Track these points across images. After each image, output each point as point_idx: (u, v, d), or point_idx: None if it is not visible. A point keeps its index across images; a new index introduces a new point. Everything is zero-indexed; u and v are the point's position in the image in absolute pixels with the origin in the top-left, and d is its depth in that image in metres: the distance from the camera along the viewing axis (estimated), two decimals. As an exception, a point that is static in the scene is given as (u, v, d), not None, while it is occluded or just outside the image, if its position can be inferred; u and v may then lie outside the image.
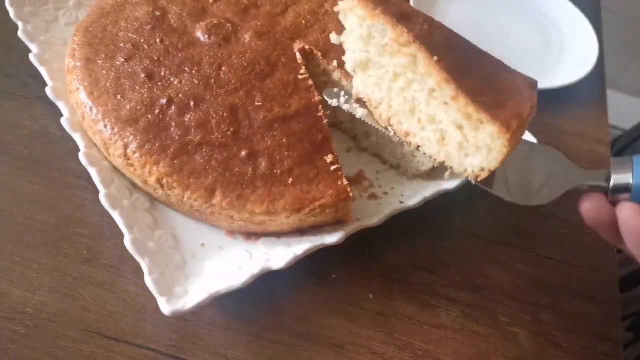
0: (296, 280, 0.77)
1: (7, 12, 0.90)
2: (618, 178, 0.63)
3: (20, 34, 0.88)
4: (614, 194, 0.63)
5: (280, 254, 0.74)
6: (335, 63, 0.84)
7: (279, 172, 0.76)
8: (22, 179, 0.81)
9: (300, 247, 0.74)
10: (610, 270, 0.88)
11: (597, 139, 1.05)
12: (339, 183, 0.76)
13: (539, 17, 1.24)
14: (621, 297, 0.88)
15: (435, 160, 0.75)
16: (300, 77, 0.83)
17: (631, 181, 0.62)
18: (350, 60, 0.78)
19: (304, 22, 0.89)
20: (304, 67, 0.84)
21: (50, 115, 0.85)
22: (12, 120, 0.86)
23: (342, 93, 0.83)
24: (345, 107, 0.81)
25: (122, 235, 0.71)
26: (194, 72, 0.81)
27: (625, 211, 0.61)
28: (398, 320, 0.77)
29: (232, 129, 0.77)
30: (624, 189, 0.63)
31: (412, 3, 1.12)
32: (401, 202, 0.82)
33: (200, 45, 0.84)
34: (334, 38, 0.80)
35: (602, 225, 0.64)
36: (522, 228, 0.89)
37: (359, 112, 0.80)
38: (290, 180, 0.75)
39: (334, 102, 0.82)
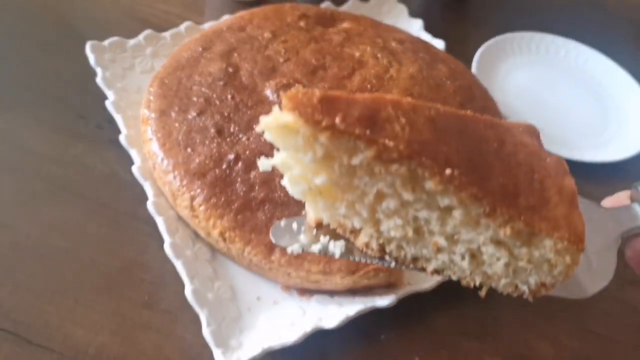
0: (346, 339, 0.78)
1: (84, 57, 0.95)
2: None
3: (98, 80, 0.93)
4: None
5: (332, 313, 0.75)
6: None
7: None
8: (90, 220, 0.84)
9: (352, 307, 0.76)
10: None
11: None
12: None
13: (597, 89, 1.25)
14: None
15: (467, 283, 0.57)
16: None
17: None
18: (297, 187, 0.56)
19: (369, 86, 0.92)
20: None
21: (121, 160, 0.89)
22: (84, 161, 0.90)
23: (295, 225, 0.62)
24: (315, 248, 0.59)
25: (182, 282, 0.74)
26: None
27: None
28: None
29: None
30: None
31: (473, 70, 1.14)
32: None
33: (269, 103, 0.88)
34: (263, 164, 0.55)
35: None
36: (568, 301, 0.89)
37: (337, 249, 0.59)
38: None
39: (294, 248, 0.60)
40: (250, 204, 0.79)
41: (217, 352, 0.69)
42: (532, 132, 0.59)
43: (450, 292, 0.82)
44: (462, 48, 1.17)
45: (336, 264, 0.76)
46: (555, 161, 0.56)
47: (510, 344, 0.84)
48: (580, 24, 1.42)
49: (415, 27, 1.20)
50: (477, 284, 0.57)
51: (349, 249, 0.59)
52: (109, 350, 0.73)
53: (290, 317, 0.76)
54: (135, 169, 0.83)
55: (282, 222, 0.62)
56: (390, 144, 0.48)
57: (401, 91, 0.92)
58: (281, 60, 0.94)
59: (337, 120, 0.48)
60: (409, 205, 0.53)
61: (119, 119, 0.88)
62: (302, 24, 1.01)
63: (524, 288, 0.55)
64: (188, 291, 0.73)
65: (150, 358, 0.74)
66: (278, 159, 0.54)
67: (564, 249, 0.51)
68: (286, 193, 0.77)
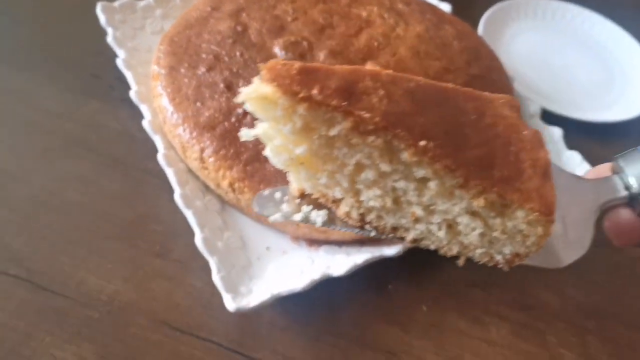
0: (354, 288, 0.80)
1: (96, 19, 0.96)
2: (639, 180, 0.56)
3: (109, 39, 0.94)
4: None
5: (340, 262, 0.77)
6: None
7: None
8: (104, 175, 0.86)
9: (360, 256, 0.77)
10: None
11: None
12: None
13: (603, 53, 1.26)
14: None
15: (444, 253, 0.59)
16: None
17: None
18: (278, 157, 0.57)
19: (376, 44, 0.93)
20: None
21: (133, 117, 0.90)
22: (97, 119, 0.92)
23: (279, 194, 0.63)
24: (297, 217, 0.61)
25: (193, 234, 0.75)
26: None
27: None
28: (449, 333, 0.80)
29: None
30: None
31: (480, 32, 1.15)
32: None
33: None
34: (244, 134, 0.56)
35: (635, 242, 0.59)
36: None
37: (319, 218, 0.60)
38: None
39: (276, 217, 0.61)
40: (259, 155, 0.80)
41: (227, 297, 0.70)
42: (513, 104, 0.59)
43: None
44: (468, 12, 1.18)
45: None
46: (532, 134, 0.56)
47: (516, 294, 0.85)
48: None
49: (422, -9, 1.20)
50: (455, 253, 0.58)
51: (331, 219, 0.60)
52: (121, 297, 0.75)
53: (299, 265, 0.78)
54: (145, 123, 0.85)
55: (266, 192, 0.64)
56: (366, 115, 0.49)
57: (408, 49, 0.92)
58: (289, 19, 0.95)
59: (315, 91, 0.49)
60: (386, 176, 0.54)
61: (129, 76, 0.90)
62: (309, -16, 1.02)
63: (499, 258, 0.57)
64: (198, 239, 0.74)
65: (161, 304, 0.75)
66: (260, 130, 0.54)
67: (536, 220, 0.52)
68: None
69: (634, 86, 1.18)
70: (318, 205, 0.60)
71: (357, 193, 0.57)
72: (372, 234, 0.59)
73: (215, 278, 0.72)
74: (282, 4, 0.97)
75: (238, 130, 0.81)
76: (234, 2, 0.96)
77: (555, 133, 0.98)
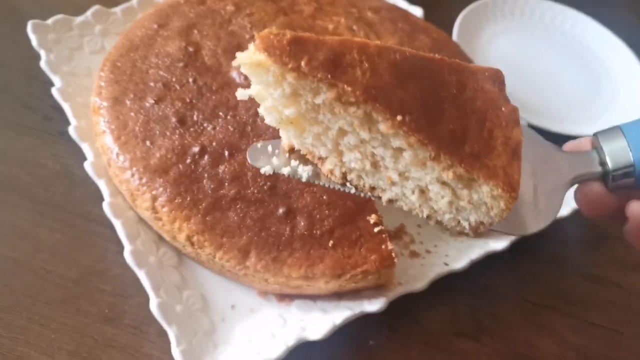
0: (331, 348, 0.72)
1: (28, 39, 0.87)
2: (615, 160, 0.57)
3: (42, 64, 0.84)
4: (616, 181, 0.58)
5: (316, 322, 0.69)
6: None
7: (318, 232, 0.72)
8: (42, 225, 0.77)
9: (338, 315, 0.70)
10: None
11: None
12: (383, 247, 0.72)
13: (587, 55, 1.20)
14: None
15: (417, 214, 0.63)
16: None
17: (632, 160, 0.56)
18: (270, 116, 0.62)
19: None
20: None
21: (73, 154, 0.81)
22: (32, 158, 0.82)
23: (270, 147, 0.67)
24: (285, 170, 0.64)
25: (146, 292, 0.67)
26: (228, 117, 0.77)
27: (636, 211, 0.56)
28: None
29: (268, 184, 0.73)
30: (625, 170, 0.57)
31: (454, 37, 1.08)
32: (446, 264, 0.78)
33: (236, 86, 0.80)
34: (240, 93, 0.61)
35: (605, 216, 0.60)
36: (570, 291, 0.84)
37: (304, 174, 0.64)
38: (331, 242, 0.72)
39: (266, 169, 0.65)
40: (220, 203, 0.72)
41: None
42: (497, 77, 0.61)
43: (442, 288, 0.79)
44: (441, 14, 1.12)
45: (319, 267, 0.70)
46: (510, 111, 0.59)
47: (509, 343, 0.79)
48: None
49: (391, -6, 1.12)
50: (425, 215, 0.62)
51: (316, 174, 0.64)
52: None
53: (270, 327, 0.70)
54: (87, 166, 0.76)
55: (259, 144, 0.67)
56: (348, 89, 0.53)
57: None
58: (247, 36, 0.86)
59: (303, 63, 0.53)
60: (366, 143, 0.58)
61: (67, 108, 0.80)
62: (268, -7, 0.93)
63: (465, 224, 0.61)
64: (154, 305, 0.67)
65: None
66: (253, 90, 0.59)
67: (499, 195, 0.56)
68: (260, 188, 0.71)
69: (622, 94, 1.13)
70: (305, 161, 0.64)
71: (340, 154, 0.61)
72: (352, 191, 0.63)
73: (175, 352, 0.64)
74: (238, 17, 0.88)
75: (194, 173, 0.73)
76: (183, 17, 0.87)
77: None
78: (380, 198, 0.63)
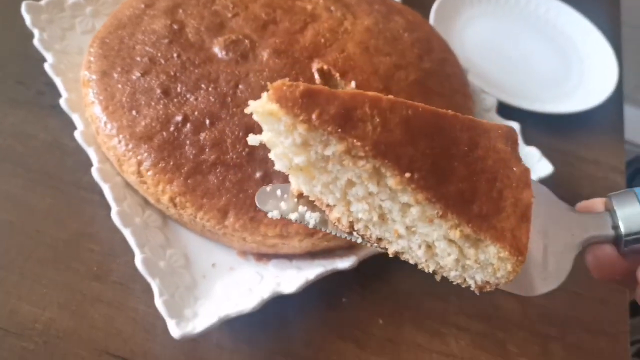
0: (306, 304, 0.77)
1: (22, 19, 0.90)
2: (628, 225, 0.57)
3: (35, 42, 0.88)
4: (628, 245, 0.57)
5: (291, 278, 0.73)
6: (353, 84, 0.83)
7: None
8: (34, 191, 0.81)
9: (311, 271, 0.74)
10: (620, 303, 0.88)
11: (612, 167, 1.05)
12: None
13: (560, 39, 1.23)
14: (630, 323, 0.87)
15: (422, 268, 0.62)
16: (317, 97, 0.82)
17: None
18: (280, 162, 0.61)
19: (322, 40, 0.88)
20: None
21: (64, 126, 0.85)
22: (25, 130, 0.86)
23: (279, 192, 0.66)
24: (293, 216, 0.64)
25: (132, 252, 0.71)
26: (210, 89, 0.80)
27: None
28: (407, 347, 0.77)
29: (247, 150, 0.77)
30: (637, 239, 0.57)
31: (431, 21, 1.11)
32: None
33: (218, 61, 0.84)
34: (251, 139, 0.59)
35: (617, 278, 0.60)
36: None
37: (312, 220, 0.64)
38: None
39: (274, 214, 0.64)
40: (200, 167, 0.76)
41: (170, 323, 0.66)
42: (510, 136, 0.60)
43: None
44: (419, -1, 1.14)
45: (293, 226, 0.74)
46: (521, 171, 0.58)
47: (475, 303, 0.83)
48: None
49: (370, -22, 1.15)
50: (431, 270, 0.60)
51: (323, 221, 0.63)
52: (58, 325, 0.71)
53: (248, 283, 0.74)
54: (77, 134, 0.79)
55: (268, 188, 0.66)
56: (358, 144, 0.52)
57: (356, 44, 0.88)
58: (229, 15, 0.90)
59: (314, 116, 0.52)
60: (374, 195, 0.57)
61: (59, 82, 0.84)
62: (250, -24, 0.96)
63: (471, 282, 0.59)
64: (138, 260, 0.70)
65: (101, 332, 0.71)
66: (265, 137, 0.58)
67: (506, 258, 0.54)
68: (238, 154, 0.75)
69: (592, 74, 1.16)
70: (313, 207, 0.64)
71: (348, 204, 0.60)
72: (359, 240, 0.62)
73: (158, 302, 0.68)
74: (221, -3, 0.91)
75: (177, 140, 0.76)
76: (170, -3, 0.90)
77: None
78: (386, 249, 0.62)
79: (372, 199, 0.58)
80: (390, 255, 0.61)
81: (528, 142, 0.94)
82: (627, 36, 1.33)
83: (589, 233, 0.59)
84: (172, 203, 0.75)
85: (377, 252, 0.77)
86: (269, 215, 0.64)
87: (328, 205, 0.62)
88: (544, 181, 0.88)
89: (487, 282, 0.58)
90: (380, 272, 0.81)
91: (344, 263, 0.75)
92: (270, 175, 0.75)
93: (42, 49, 0.87)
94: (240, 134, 0.77)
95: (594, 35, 1.22)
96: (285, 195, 0.65)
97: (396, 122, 0.54)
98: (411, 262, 0.61)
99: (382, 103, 0.55)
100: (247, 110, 0.55)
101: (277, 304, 0.71)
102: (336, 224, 0.62)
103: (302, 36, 0.89)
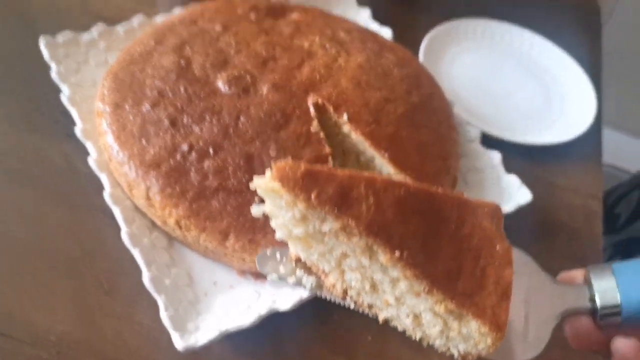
0: (300, 320, 0.82)
1: (38, 53, 0.97)
2: (604, 299, 0.61)
3: (53, 75, 0.94)
4: (603, 318, 0.61)
5: (286, 296, 0.78)
6: (345, 117, 0.90)
7: None
8: (50, 212, 0.87)
9: (305, 290, 0.78)
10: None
11: (590, 194, 1.11)
12: None
13: (542, 74, 1.30)
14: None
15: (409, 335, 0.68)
16: (312, 129, 0.89)
17: (618, 300, 0.60)
18: (280, 231, 0.67)
19: (318, 76, 0.95)
20: (316, 120, 0.90)
21: (78, 152, 0.91)
22: (41, 154, 0.92)
23: (278, 255, 0.74)
24: (291, 280, 0.72)
25: (140, 271, 0.77)
26: (214, 120, 0.87)
27: (620, 348, 0.59)
28: None
29: (247, 177, 0.83)
30: (612, 310, 0.60)
31: (421, 58, 1.18)
32: None
33: (221, 95, 0.90)
34: (255, 210, 0.67)
35: (593, 349, 0.63)
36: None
37: (308, 284, 0.71)
38: None
39: (272, 277, 0.73)
40: (204, 192, 0.82)
41: (175, 336, 0.72)
42: (495, 214, 0.65)
43: None
44: (409, 35, 1.21)
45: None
46: (504, 250, 0.63)
47: None
48: (524, 11, 1.46)
49: (364, 16, 1.23)
50: (417, 338, 0.66)
51: (319, 285, 0.70)
52: (70, 337, 0.76)
53: (246, 300, 0.79)
54: (91, 161, 0.86)
55: (268, 251, 0.75)
56: (352, 223, 0.58)
57: (349, 80, 0.95)
58: (232, 52, 0.96)
59: (313, 196, 0.58)
60: (366, 267, 0.63)
61: (74, 112, 0.90)
62: (252, 16, 1.03)
63: (455, 351, 0.64)
64: (146, 278, 0.76)
65: (110, 343, 0.77)
66: (267, 208, 0.64)
67: (486, 333, 0.59)
68: (239, 181, 0.82)
69: (572, 107, 1.22)
70: (310, 272, 0.70)
71: (342, 272, 0.66)
72: (352, 306, 0.69)
73: (164, 316, 0.73)
74: (225, 36, 0.98)
75: (183, 168, 0.83)
76: (177, 35, 0.97)
77: (494, 157, 1.01)
78: (377, 316, 0.68)
79: (364, 270, 0.63)
80: (380, 322, 0.68)
81: (509, 170, 0.99)
82: (608, 63, 1.40)
83: (567, 305, 0.63)
84: (177, 225, 0.81)
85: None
86: (268, 278, 0.73)
87: (324, 272, 0.68)
88: (523, 208, 0.94)
89: (469, 353, 0.63)
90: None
91: (335, 282, 0.81)
92: (268, 201, 0.82)
93: (59, 81, 0.94)
94: (241, 162, 0.84)
95: (574, 71, 1.28)
96: (284, 259, 0.72)
97: (389, 202, 0.60)
98: (399, 329, 0.67)
99: (376, 184, 0.60)
100: (251, 186, 0.62)
101: (273, 320, 0.76)
102: (331, 289, 0.69)
103: (299, 72, 0.96)
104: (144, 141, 0.85)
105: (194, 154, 0.84)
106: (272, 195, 0.61)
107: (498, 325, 0.59)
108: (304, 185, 0.58)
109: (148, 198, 0.82)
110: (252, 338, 0.79)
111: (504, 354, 0.63)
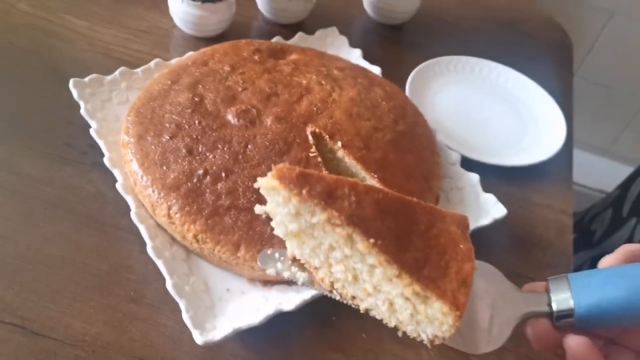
0: (303, 322, 0.91)
1: (65, 92, 1.09)
2: (559, 303, 0.67)
3: (82, 112, 1.06)
4: (559, 320, 0.67)
5: (291, 299, 0.88)
6: (339, 144, 1.01)
7: None
8: (81, 232, 0.96)
9: (308, 293, 0.88)
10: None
11: (562, 210, 1.21)
12: None
13: (516, 103, 1.41)
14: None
15: (386, 323, 0.74)
16: (311, 154, 1.00)
17: (572, 305, 0.65)
18: (279, 229, 0.75)
19: (315, 109, 1.06)
20: (314, 147, 1.01)
21: (105, 180, 1.01)
22: (72, 183, 1.02)
23: (277, 255, 0.82)
24: (286, 274, 0.79)
25: (162, 280, 0.86)
26: (225, 149, 0.98)
27: (571, 344, 0.65)
28: (385, 356, 0.92)
29: (255, 196, 0.93)
30: (566, 313, 0.66)
31: (407, 92, 1.28)
32: None
33: (231, 126, 1.02)
34: (258, 209, 0.76)
35: (551, 349, 0.68)
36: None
37: (300, 278, 0.78)
38: None
39: (270, 271, 0.80)
40: (218, 210, 0.92)
41: (195, 333, 0.81)
42: (462, 222, 0.74)
43: None
44: (396, 72, 1.32)
45: None
46: (467, 249, 0.71)
47: None
48: (499, 47, 1.60)
49: (355, 55, 1.35)
50: (393, 325, 0.73)
51: (310, 280, 0.77)
52: (103, 338, 0.85)
53: (256, 303, 0.89)
54: (118, 186, 0.96)
55: (269, 251, 0.82)
56: (336, 214, 0.66)
57: (342, 112, 1.06)
58: (240, 89, 1.08)
59: (304, 191, 0.66)
60: (349, 258, 0.70)
61: (101, 144, 1.01)
62: (256, 57, 1.16)
63: (424, 336, 0.70)
64: (169, 285, 0.85)
65: (138, 343, 0.86)
66: (268, 208, 0.73)
67: (447, 312, 0.65)
68: (248, 199, 0.92)
69: (543, 133, 1.33)
70: (303, 269, 0.78)
71: (329, 266, 0.73)
72: (337, 298, 0.75)
73: (185, 317, 0.83)
74: (233, 75, 1.11)
75: (199, 190, 0.94)
76: (191, 75, 1.10)
77: (473, 178, 1.11)
78: (358, 307, 0.74)
79: (347, 261, 0.70)
80: (362, 312, 0.74)
81: (487, 190, 1.09)
82: (580, 88, 1.53)
83: (528, 308, 0.69)
84: (195, 239, 0.91)
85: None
86: (267, 272, 0.80)
87: (315, 268, 0.75)
88: (503, 223, 1.04)
89: (436, 336, 0.69)
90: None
91: (334, 287, 0.91)
92: (274, 217, 0.93)
93: (87, 117, 1.05)
94: (250, 184, 0.94)
95: (546, 100, 1.40)
96: (282, 258, 0.80)
97: (369, 202, 0.68)
98: (378, 317, 0.73)
99: (359, 187, 0.69)
100: (255, 185, 0.71)
101: (280, 322, 0.86)
102: (320, 283, 0.75)
103: (299, 105, 1.07)
104: (164, 167, 0.96)
105: (208, 177, 0.95)
106: (271, 192, 0.70)
107: (457, 305, 0.65)
108: (297, 183, 0.67)
109: (169, 216, 0.92)
110: (262, 337, 0.88)
111: (470, 345, 0.70)
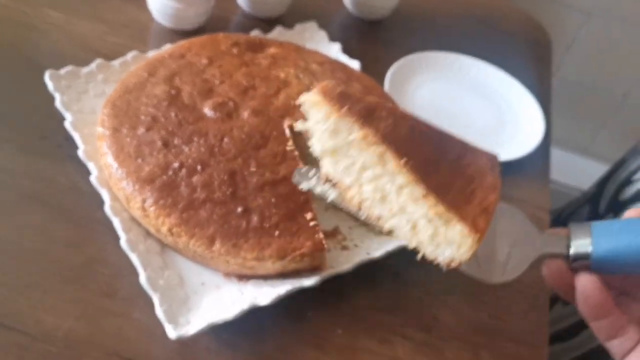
0: (278, 316, 0.91)
1: (41, 85, 1.08)
2: (577, 247, 0.67)
3: (57, 104, 1.05)
4: (575, 262, 0.68)
5: (266, 293, 0.88)
6: (316, 137, 1.01)
7: (267, 225, 0.91)
8: (56, 225, 0.95)
9: (282, 287, 0.88)
10: (540, 316, 1.04)
11: (538, 206, 1.22)
12: (316, 236, 0.91)
13: (495, 98, 1.42)
14: (566, 344, 1.02)
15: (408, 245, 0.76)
16: (287, 148, 1.00)
17: (590, 250, 0.66)
18: (317, 146, 0.78)
19: (292, 102, 1.06)
20: (291, 141, 1.01)
21: (80, 173, 1.00)
22: (47, 176, 1.01)
23: (312, 172, 0.86)
24: (318, 190, 0.84)
25: (136, 275, 0.85)
26: (201, 141, 0.98)
27: (582, 281, 0.67)
28: (361, 352, 0.91)
29: (230, 190, 0.93)
30: (583, 257, 0.67)
31: (386, 87, 1.28)
32: (368, 254, 0.97)
33: (207, 119, 1.01)
34: (299, 125, 0.80)
35: (563, 289, 0.71)
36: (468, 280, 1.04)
37: (331, 195, 0.82)
38: (277, 232, 0.91)
39: (304, 185, 0.85)
40: (193, 203, 0.92)
41: (168, 327, 0.81)
42: (491, 159, 0.78)
43: (367, 274, 0.98)
44: (376, 67, 1.32)
45: (267, 251, 0.89)
46: (494, 181, 0.74)
47: (418, 317, 0.98)
48: (478, 43, 1.60)
49: (334, 50, 1.35)
50: (413, 246, 0.75)
51: (340, 198, 0.81)
52: (76, 333, 0.84)
53: (231, 297, 0.89)
54: (93, 179, 0.96)
55: (304, 168, 0.88)
56: (371, 132, 0.70)
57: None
58: (217, 82, 1.08)
59: (344, 108, 0.71)
60: (379, 178, 0.73)
61: (76, 136, 1.01)
62: (234, 50, 1.16)
63: (441, 258, 0.72)
64: (142, 278, 0.85)
65: (111, 337, 0.85)
66: (309, 124, 0.77)
67: (467, 234, 0.68)
68: (224, 193, 0.92)
69: (522, 128, 1.34)
70: (334, 187, 0.81)
71: (360, 185, 0.76)
72: (364, 217, 0.78)
73: (158, 311, 0.82)
74: (210, 68, 1.10)
75: (174, 183, 0.93)
76: (168, 68, 1.09)
77: None
78: (382, 226, 0.76)
79: (377, 181, 0.74)
80: (385, 232, 0.77)
81: None
82: (558, 86, 1.54)
83: (547, 248, 0.71)
84: (169, 233, 0.91)
85: (336, 273, 0.93)
86: (300, 187, 0.86)
87: (346, 187, 0.78)
88: None
89: (453, 259, 0.71)
90: (340, 291, 0.96)
91: (309, 281, 0.90)
92: (250, 210, 0.92)
93: (63, 109, 1.04)
94: (225, 177, 0.94)
95: (524, 96, 1.41)
96: (315, 176, 0.85)
97: (404, 126, 0.73)
98: (401, 238, 0.76)
99: (397, 111, 0.76)
100: (298, 101, 0.77)
101: (255, 317, 0.85)
102: (350, 201, 0.78)
103: (276, 99, 1.07)
104: (139, 160, 0.95)
105: (184, 170, 0.95)
106: (314, 108, 0.75)
107: (477, 229, 0.68)
108: (339, 99, 0.72)
109: (143, 209, 0.92)
110: (236, 331, 0.88)
111: (485, 274, 0.74)
